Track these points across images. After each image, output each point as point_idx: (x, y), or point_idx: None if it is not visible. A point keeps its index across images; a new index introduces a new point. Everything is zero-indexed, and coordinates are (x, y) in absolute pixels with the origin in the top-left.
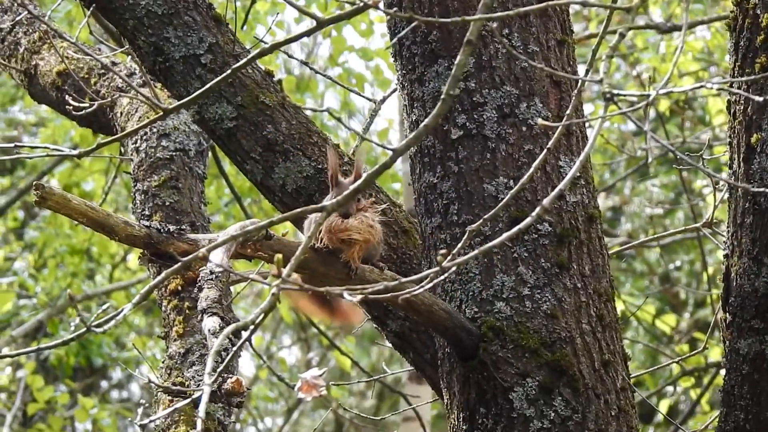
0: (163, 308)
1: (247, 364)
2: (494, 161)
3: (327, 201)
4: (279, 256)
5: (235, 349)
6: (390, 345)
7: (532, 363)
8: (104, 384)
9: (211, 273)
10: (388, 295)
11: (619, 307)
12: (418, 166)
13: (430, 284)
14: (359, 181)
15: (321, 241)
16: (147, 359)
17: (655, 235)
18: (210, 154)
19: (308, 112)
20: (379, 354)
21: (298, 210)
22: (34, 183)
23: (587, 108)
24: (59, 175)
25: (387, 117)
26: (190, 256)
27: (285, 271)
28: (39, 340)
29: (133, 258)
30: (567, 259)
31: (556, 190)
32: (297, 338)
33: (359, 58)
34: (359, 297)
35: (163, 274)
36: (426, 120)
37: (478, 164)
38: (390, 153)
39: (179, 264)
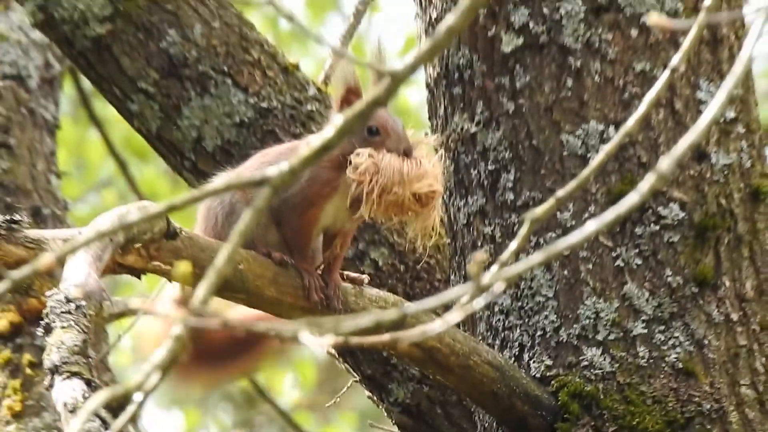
0: None
1: None
2: (580, 93)
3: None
4: (185, 267)
5: None
6: (395, 429)
7: None
8: None
9: (68, 301)
10: (386, 336)
11: None
12: (442, 102)
13: (462, 315)
14: (327, 133)
15: (372, 207)
16: None
17: None
18: (72, 82)
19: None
20: None
21: (221, 183)
22: None
23: None
24: None
25: (406, 26)
26: (28, 269)
27: (197, 296)
28: None
29: None
30: (713, 270)
31: (688, 141)
32: (240, 418)
33: None
34: (334, 340)
35: None
36: (451, 17)
37: (551, 99)
38: (387, 79)
39: (8, 283)
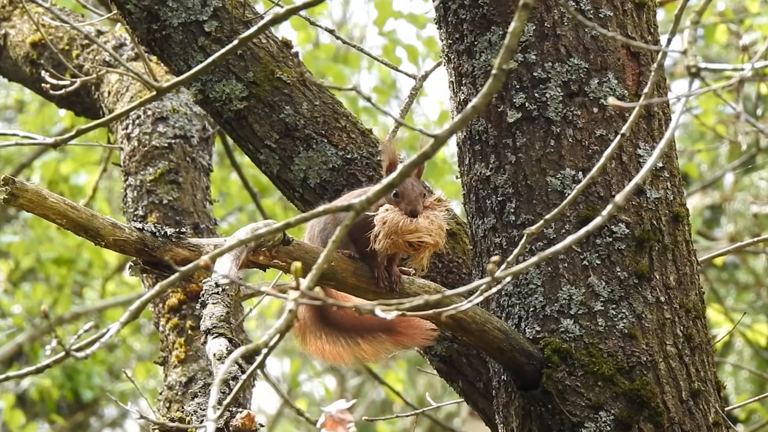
0: (161, 328)
1: (268, 397)
2: (559, 149)
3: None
4: (297, 264)
5: (244, 377)
6: (436, 372)
7: (607, 393)
8: (95, 422)
9: (217, 285)
10: (431, 311)
11: (724, 326)
12: (467, 155)
13: (481, 297)
14: (393, 175)
15: (380, 244)
16: (147, 391)
17: (763, 237)
18: (219, 141)
19: (339, 93)
20: (427, 384)
21: (320, 209)
22: (2, 177)
23: (677, 86)
24: (42, 167)
25: (442, 105)
26: (191, 265)
27: (304, 283)
28: (18, 369)
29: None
30: (648, 268)
31: (632, 183)
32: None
33: (409, 24)
34: (395, 314)
35: (157, 287)
36: (474, 99)
37: (540, 153)
38: (431, 141)
39: (177, 274)
